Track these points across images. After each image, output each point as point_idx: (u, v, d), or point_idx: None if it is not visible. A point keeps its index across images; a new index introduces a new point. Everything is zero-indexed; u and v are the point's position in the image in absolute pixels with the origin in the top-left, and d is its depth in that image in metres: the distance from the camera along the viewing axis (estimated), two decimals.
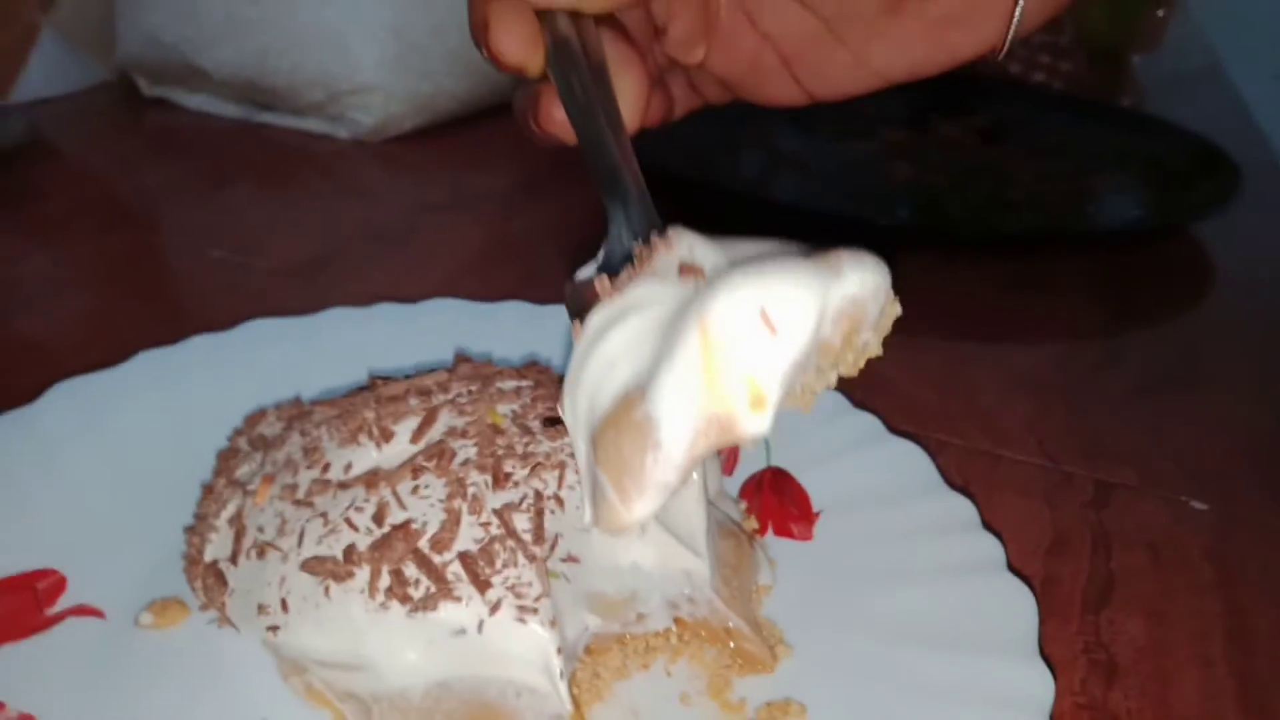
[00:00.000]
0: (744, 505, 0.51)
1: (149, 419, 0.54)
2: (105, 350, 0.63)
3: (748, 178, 0.98)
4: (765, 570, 0.47)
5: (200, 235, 0.83)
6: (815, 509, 0.50)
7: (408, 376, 0.50)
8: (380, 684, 0.38)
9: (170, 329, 0.67)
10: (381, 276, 0.78)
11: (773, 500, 0.51)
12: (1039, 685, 0.38)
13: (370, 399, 0.45)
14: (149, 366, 0.56)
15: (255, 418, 0.51)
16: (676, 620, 0.42)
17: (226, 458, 0.48)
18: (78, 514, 0.48)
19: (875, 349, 0.34)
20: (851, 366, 0.33)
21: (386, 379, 0.50)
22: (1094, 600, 0.48)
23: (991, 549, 0.45)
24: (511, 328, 0.62)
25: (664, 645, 0.42)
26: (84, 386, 0.53)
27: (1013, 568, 0.44)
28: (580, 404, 0.34)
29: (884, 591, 0.44)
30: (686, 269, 0.33)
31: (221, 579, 0.41)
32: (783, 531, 0.49)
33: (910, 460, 0.51)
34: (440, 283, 0.77)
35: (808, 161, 1.00)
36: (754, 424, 0.29)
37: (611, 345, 0.33)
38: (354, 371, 0.58)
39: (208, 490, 0.46)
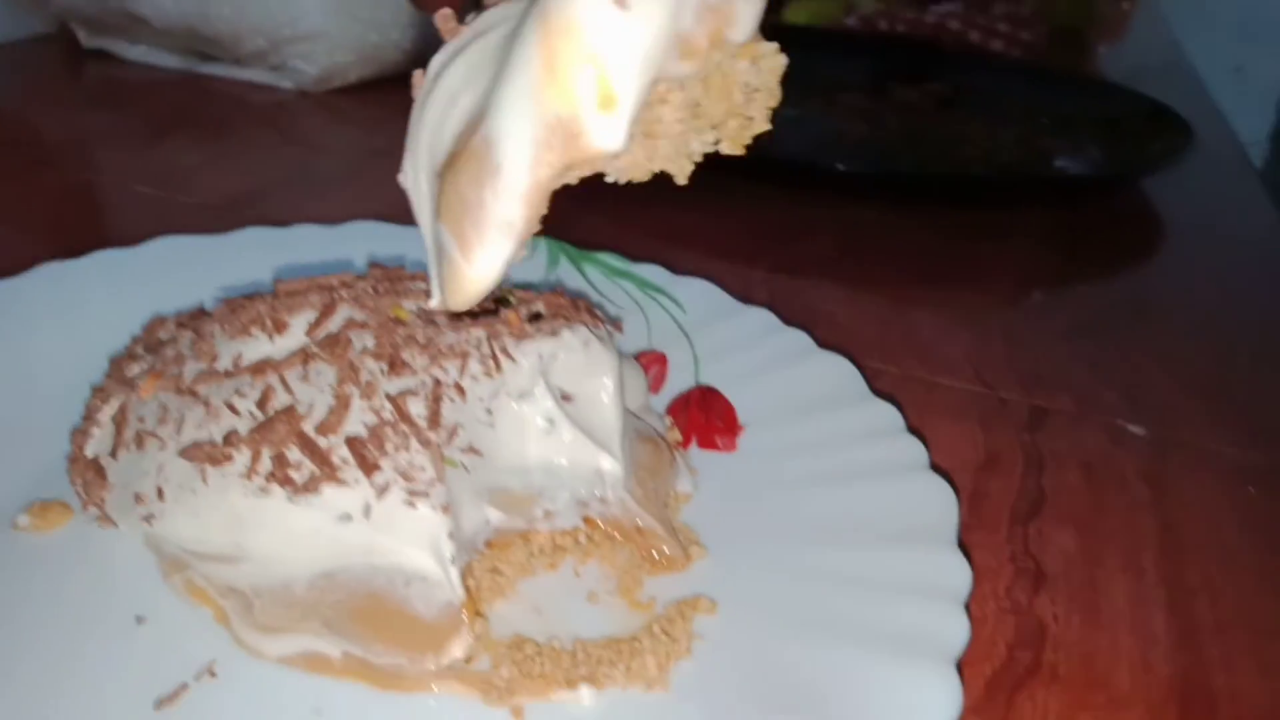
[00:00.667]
0: (669, 421, 0.49)
1: (47, 328, 0.51)
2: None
3: None
4: (685, 478, 0.45)
5: (130, 175, 0.81)
6: (741, 423, 0.48)
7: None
8: (262, 577, 0.36)
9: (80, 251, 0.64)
10: (314, 210, 0.75)
11: (699, 416, 0.49)
12: (956, 575, 0.36)
13: (269, 296, 0.43)
14: (50, 277, 0.53)
15: (154, 324, 0.49)
16: (586, 519, 0.40)
17: (120, 362, 0.46)
18: None
19: (762, 123, 0.30)
20: (736, 136, 0.30)
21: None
22: (1023, 513, 0.47)
23: (913, 450, 0.43)
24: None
25: (572, 545, 0.40)
26: None
27: (938, 470, 0.43)
28: (420, 156, 0.30)
29: (804, 495, 0.43)
30: None
31: (101, 474, 0.39)
32: (707, 444, 0.48)
33: (837, 372, 0.49)
34: (376, 216, 0.74)
35: None
36: (604, 128, 0.25)
37: (452, 77, 0.29)
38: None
39: (96, 391, 0.44)
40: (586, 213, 0.56)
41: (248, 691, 0.34)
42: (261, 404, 0.37)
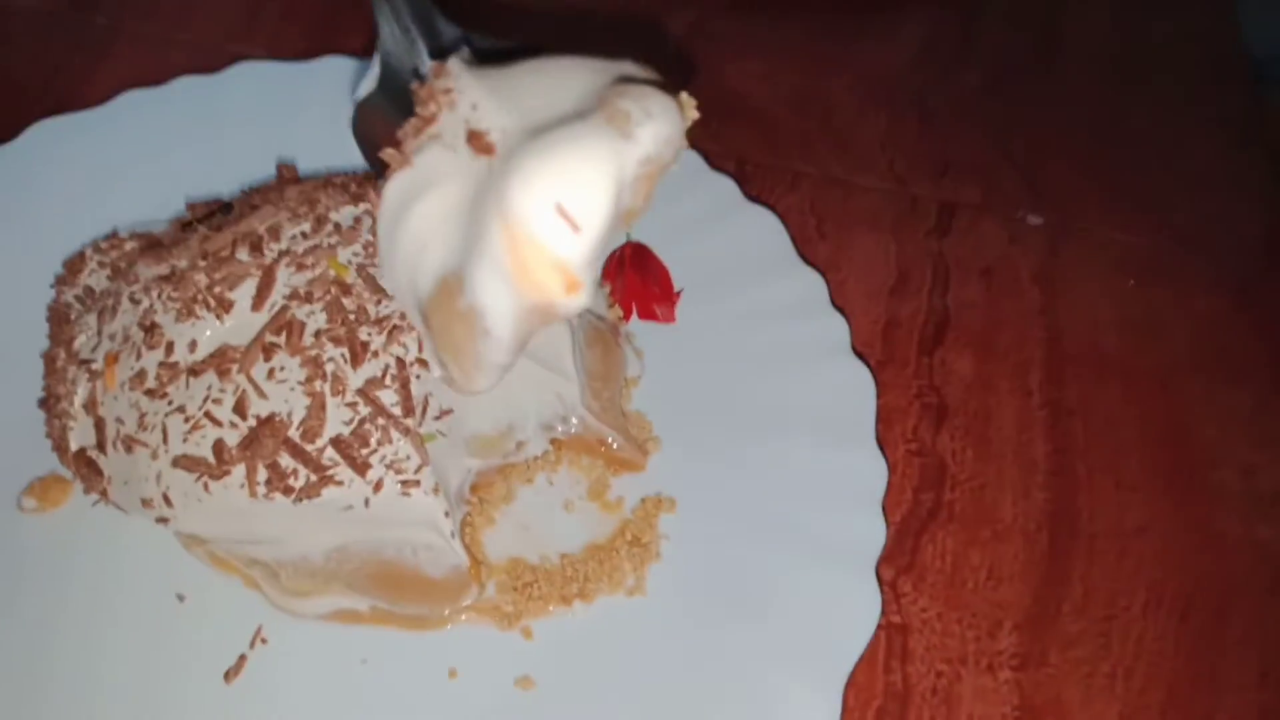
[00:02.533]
0: (607, 288, 0.51)
1: None
2: None
3: None
4: (634, 362, 0.49)
5: None
6: (676, 287, 0.51)
7: (226, 208, 0.46)
8: (281, 552, 0.40)
9: None
10: (170, 6, 0.68)
11: (635, 280, 0.52)
12: (874, 474, 0.43)
13: (195, 254, 0.42)
14: None
15: (75, 263, 0.47)
16: (552, 441, 0.45)
17: (57, 320, 0.45)
18: None
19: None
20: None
21: (207, 211, 0.46)
22: (929, 340, 0.53)
23: (837, 331, 0.47)
24: (334, 93, 0.56)
25: (544, 462, 0.45)
26: None
27: (852, 345, 0.48)
28: (400, 279, 0.34)
29: (742, 379, 0.47)
30: (474, 138, 0.32)
31: (95, 467, 0.41)
32: (646, 314, 0.51)
33: (766, 232, 0.51)
34: (241, 9, 0.67)
35: None
36: (572, 304, 0.30)
37: (417, 225, 0.33)
38: (163, 174, 0.53)
39: (49, 360, 0.44)
40: None
41: (300, 652, 0.40)
42: (239, 409, 0.38)
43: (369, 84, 0.41)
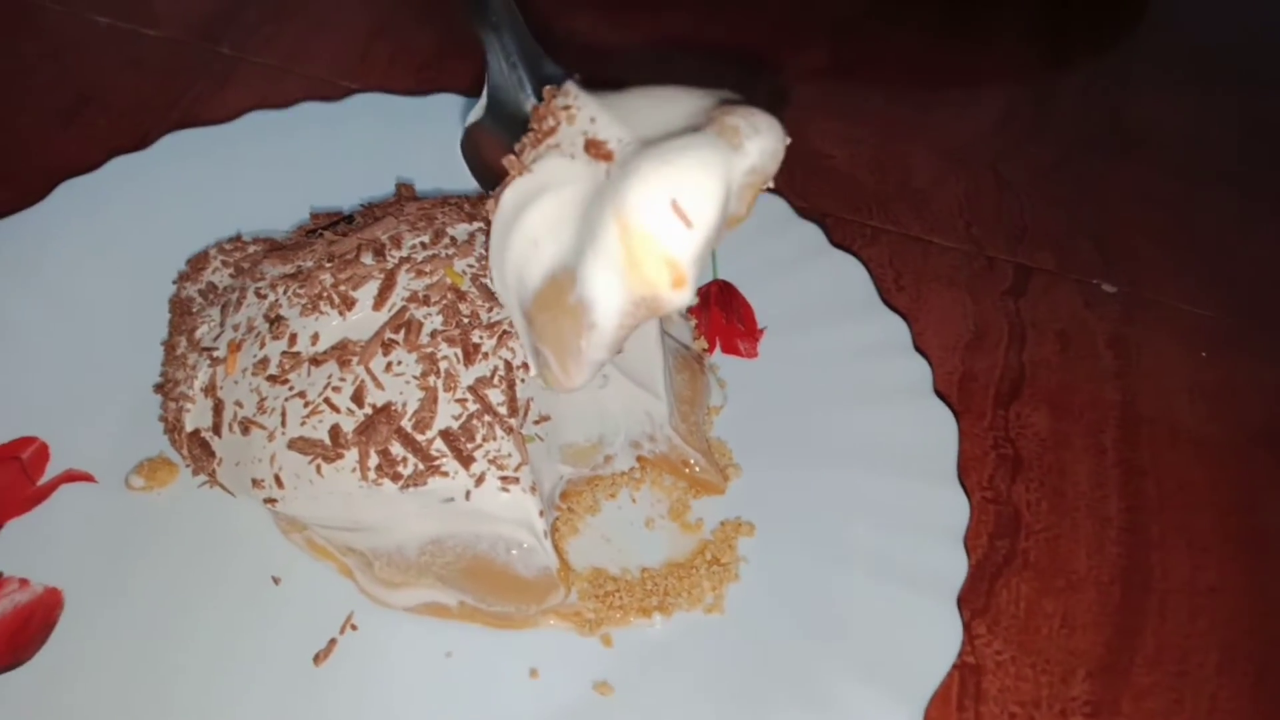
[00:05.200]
0: (693, 322, 0.53)
1: (84, 257, 0.52)
2: (3, 160, 0.60)
3: None
4: (716, 392, 0.50)
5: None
6: (760, 325, 0.53)
7: (349, 219, 0.49)
8: (378, 541, 0.42)
9: (77, 131, 0.63)
10: (288, 41, 0.72)
11: (720, 316, 0.54)
12: (956, 509, 0.44)
13: (321, 255, 0.45)
14: (73, 199, 0.53)
15: (198, 261, 0.50)
16: (639, 459, 0.46)
17: (180, 311, 0.48)
18: (35, 373, 0.48)
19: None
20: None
21: (330, 221, 0.49)
22: (1006, 394, 0.54)
23: (920, 373, 0.49)
24: (442, 124, 0.60)
25: (628, 479, 0.47)
26: (11, 229, 0.51)
27: (935, 388, 0.49)
28: (509, 278, 0.37)
29: (823, 412, 0.49)
30: (593, 146, 0.34)
31: (207, 449, 0.43)
32: (730, 349, 0.53)
33: (850, 276, 0.53)
34: (353, 50, 0.72)
35: None
36: (677, 299, 0.32)
37: (531, 224, 0.35)
38: (284, 187, 0.56)
39: (169, 348, 0.47)
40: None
41: (388, 641, 0.41)
42: (357, 398, 0.40)
43: (478, 111, 0.44)
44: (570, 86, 0.36)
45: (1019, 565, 0.47)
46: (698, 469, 0.46)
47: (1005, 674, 0.43)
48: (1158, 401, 0.54)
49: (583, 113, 0.35)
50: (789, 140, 0.34)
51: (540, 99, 0.39)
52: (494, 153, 0.41)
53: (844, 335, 0.51)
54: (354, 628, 0.42)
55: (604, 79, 0.39)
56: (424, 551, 0.42)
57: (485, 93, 0.43)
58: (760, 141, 0.32)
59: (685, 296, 0.31)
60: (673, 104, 0.35)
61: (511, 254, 0.36)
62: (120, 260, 0.52)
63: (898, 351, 0.50)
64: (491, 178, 0.40)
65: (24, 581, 0.42)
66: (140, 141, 0.60)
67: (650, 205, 0.30)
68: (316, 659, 0.41)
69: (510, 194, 0.35)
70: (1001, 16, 0.80)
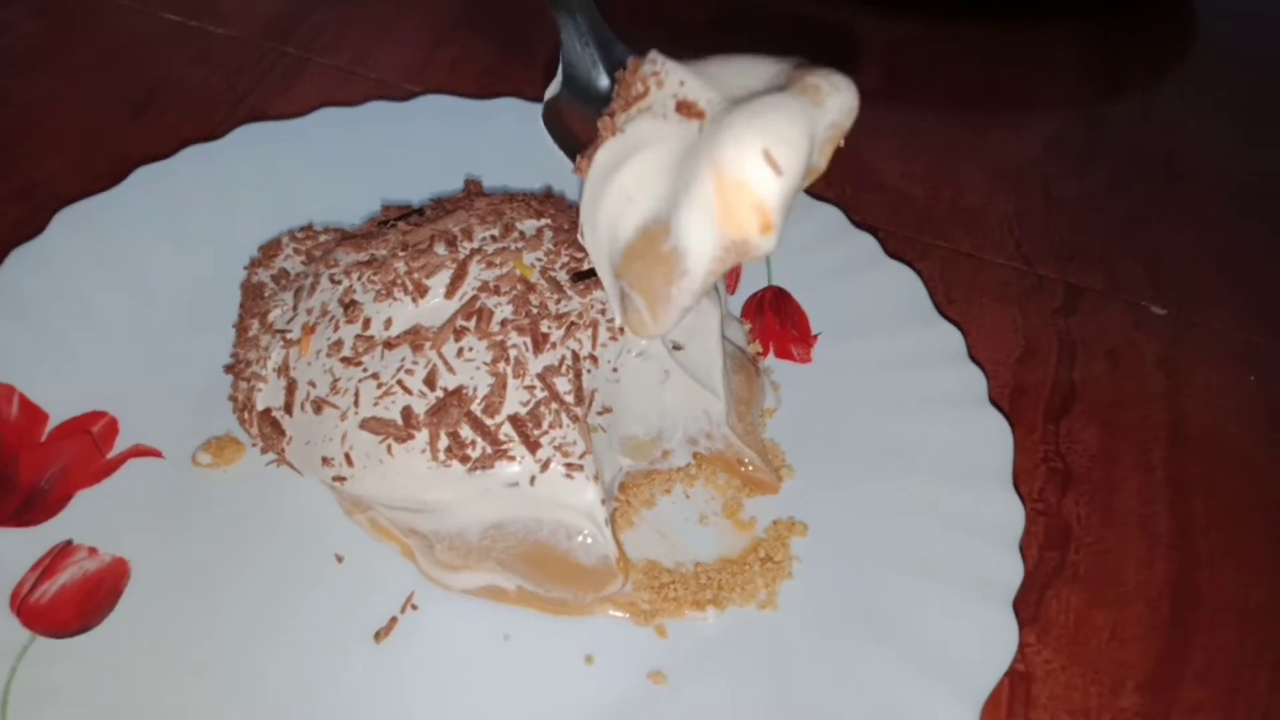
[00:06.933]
0: (748, 326, 0.54)
1: (157, 240, 0.54)
2: (78, 147, 0.62)
3: None
4: (770, 395, 0.51)
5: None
6: (814, 331, 0.54)
7: (420, 210, 0.50)
8: (440, 524, 0.43)
9: (148, 122, 0.65)
10: (353, 44, 0.74)
11: (774, 321, 0.54)
12: (1011, 514, 0.44)
13: (395, 245, 0.46)
14: (147, 184, 0.55)
15: (270, 248, 0.51)
16: (695, 455, 0.47)
17: (252, 295, 0.49)
18: (107, 350, 0.49)
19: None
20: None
21: (401, 213, 0.50)
22: (1056, 409, 0.54)
23: (974, 382, 0.49)
24: (506, 126, 0.61)
25: (683, 475, 0.47)
26: (88, 212, 0.53)
27: (990, 397, 0.50)
28: (600, 232, 0.38)
29: (876, 418, 0.49)
30: (685, 107, 0.36)
31: (278, 427, 0.44)
32: (784, 354, 0.53)
33: (905, 285, 0.54)
34: (415, 57, 0.73)
35: None
36: (766, 243, 0.34)
37: (626, 180, 0.37)
38: (353, 180, 0.57)
39: (241, 330, 0.48)
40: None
41: (447, 622, 0.42)
42: (429, 381, 0.41)
43: (555, 86, 0.46)
44: (656, 55, 0.38)
45: (1069, 577, 0.47)
46: (752, 468, 0.47)
47: (1055, 682, 0.44)
48: (1207, 422, 0.54)
49: (671, 78, 0.37)
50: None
51: (612, 77, 0.42)
52: (576, 122, 0.43)
53: (898, 343, 0.52)
54: (414, 607, 0.42)
55: None
56: (485, 535, 0.42)
57: (560, 69, 0.45)
58: (839, 98, 0.34)
59: (772, 241, 0.33)
60: (752, 68, 0.37)
61: (605, 209, 0.37)
62: (192, 245, 0.54)
63: (953, 360, 0.50)
64: (574, 143, 0.42)
65: (93, 550, 0.43)
66: (209, 134, 0.61)
67: (745, 155, 0.32)
68: (377, 636, 0.42)
69: (603, 154, 0.37)
70: (1054, 43, 0.81)
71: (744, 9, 0.80)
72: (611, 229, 0.37)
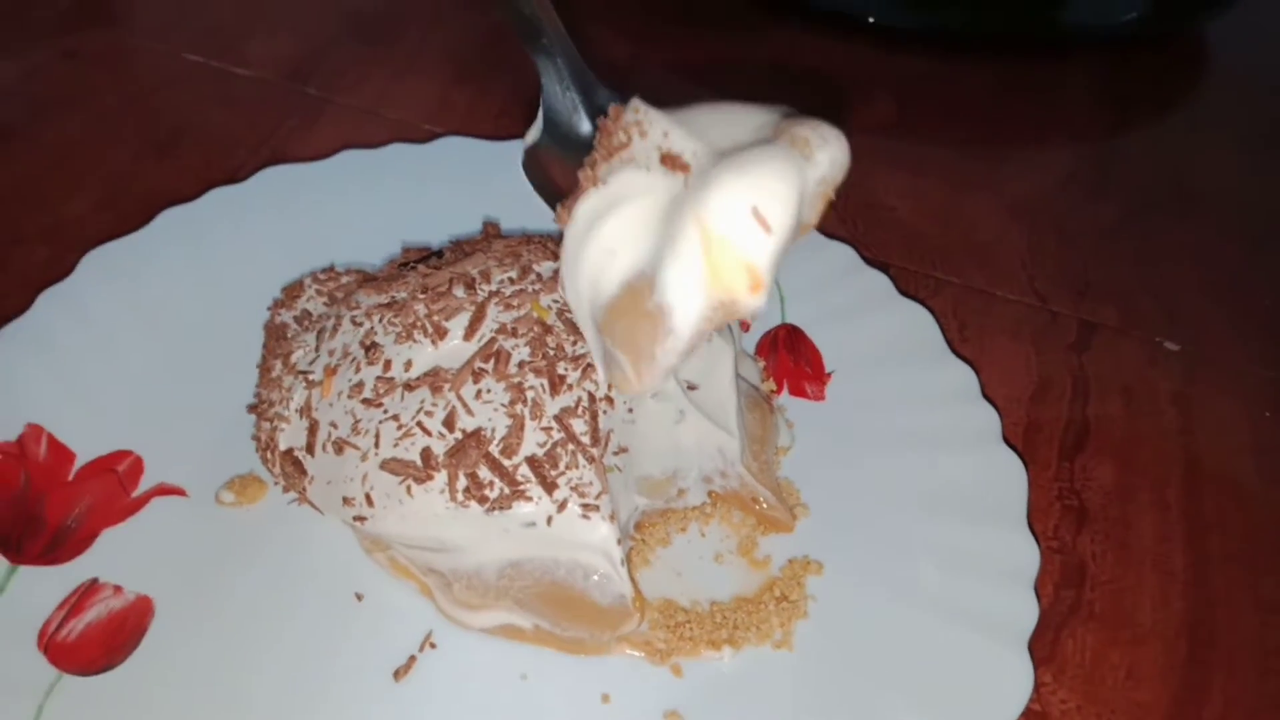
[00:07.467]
0: (761, 364, 0.55)
1: (181, 282, 0.55)
2: (104, 189, 0.63)
3: None
4: (784, 432, 0.51)
5: (171, 33, 0.79)
6: (827, 369, 0.54)
7: (440, 253, 0.51)
8: (459, 562, 0.43)
9: (172, 163, 0.66)
10: (373, 85, 0.75)
11: (788, 359, 0.55)
12: (1026, 554, 0.44)
13: (415, 287, 0.47)
14: (173, 226, 0.56)
15: (293, 289, 0.52)
16: (710, 494, 0.48)
17: (275, 336, 0.50)
18: (133, 390, 0.50)
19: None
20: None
21: (421, 255, 0.51)
22: (1070, 447, 0.54)
23: (988, 421, 0.49)
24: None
25: (699, 514, 0.48)
26: (114, 254, 0.54)
27: (1003, 436, 0.50)
28: (581, 287, 0.38)
29: (890, 456, 0.50)
30: (669, 159, 0.36)
31: (300, 467, 0.45)
32: (797, 391, 0.54)
33: (918, 323, 0.54)
34: (433, 96, 0.74)
35: None
36: (754, 302, 0.33)
37: (608, 234, 0.36)
38: (375, 221, 0.58)
39: (264, 370, 0.49)
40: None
41: (465, 660, 0.43)
42: (448, 423, 0.42)
43: (534, 133, 0.46)
44: (638, 103, 0.37)
45: (1084, 615, 0.47)
46: (767, 506, 0.47)
47: None
48: (1222, 460, 0.54)
49: (654, 128, 0.36)
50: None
51: (594, 123, 0.41)
52: (556, 170, 0.43)
53: (912, 381, 0.52)
54: (433, 646, 0.43)
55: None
56: (503, 575, 0.43)
57: (540, 115, 0.45)
58: (829, 151, 0.34)
59: (761, 300, 0.33)
60: (739, 119, 0.37)
61: (586, 263, 0.37)
62: (215, 286, 0.55)
63: (966, 398, 0.51)
64: (555, 193, 0.42)
65: (118, 588, 0.44)
66: (232, 175, 0.63)
67: (731, 212, 0.32)
68: (396, 674, 0.42)
69: (584, 206, 0.37)
70: (1065, 77, 0.82)
71: (755, 45, 0.81)
72: (594, 283, 0.37)
